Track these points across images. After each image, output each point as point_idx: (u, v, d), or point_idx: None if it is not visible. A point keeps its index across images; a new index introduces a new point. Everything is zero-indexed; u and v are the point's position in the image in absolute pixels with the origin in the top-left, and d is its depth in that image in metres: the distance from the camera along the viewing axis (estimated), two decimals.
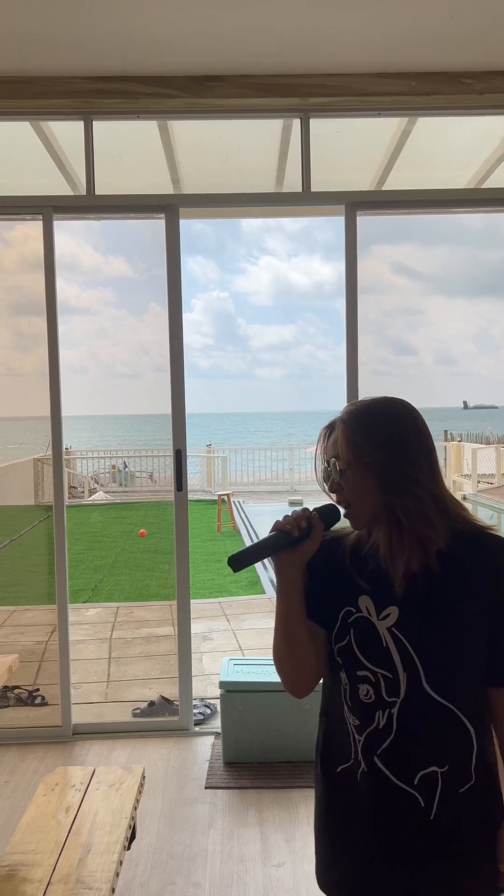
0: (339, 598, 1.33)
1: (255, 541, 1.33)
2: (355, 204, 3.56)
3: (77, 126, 3.52)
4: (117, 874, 1.89)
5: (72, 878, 1.81)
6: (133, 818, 2.16)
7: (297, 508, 1.37)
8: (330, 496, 1.36)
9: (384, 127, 3.71)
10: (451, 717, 1.26)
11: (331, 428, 1.36)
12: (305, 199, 3.56)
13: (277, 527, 1.32)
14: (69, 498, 15.28)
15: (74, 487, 16.07)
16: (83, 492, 15.95)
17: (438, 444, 18.03)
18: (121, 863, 1.95)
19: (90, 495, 15.62)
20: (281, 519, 1.32)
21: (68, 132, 3.62)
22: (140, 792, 2.28)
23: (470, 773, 1.28)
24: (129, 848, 2.21)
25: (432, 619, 1.26)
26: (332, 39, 3.09)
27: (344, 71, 3.36)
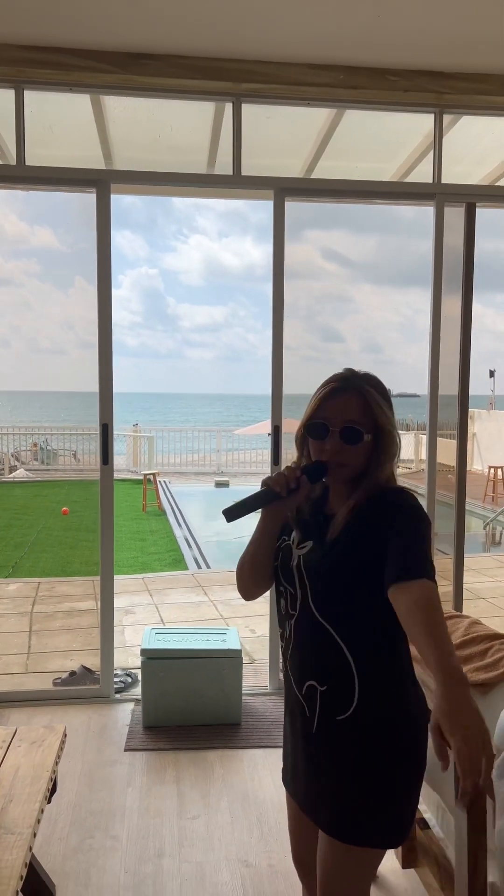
0: (284, 532, 1.59)
1: (248, 495, 1.51)
2: (284, 190, 3.67)
3: (8, 94, 3.49)
4: (38, 821, 1.98)
5: None
6: (55, 772, 2.24)
7: (289, 465, 1.54)
8: (321, 453, 1.48)
9: (316, 115, 3.83)
10: (330, 639, 1.45)
11: (347, 389, 1.49)
12: (235, 183, 3.65)
13: (268, 484, 1.50)
14: None
15: None
16: (2, 469, 15.61)
17: None
18: (42, 811, 2.03)
19: (10, 472, 15.30)
20: (271, 477, 1.51)
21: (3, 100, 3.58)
22: (61, 748, 2.36)
23: (349, 703, 1.43)
24: (49, 801, 2.29)
25: (329, 552, 1.46)
26: (266, 27, 3.18)
27: (276, 59, 3.45)
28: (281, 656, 1.61)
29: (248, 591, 1.64)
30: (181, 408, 68.88)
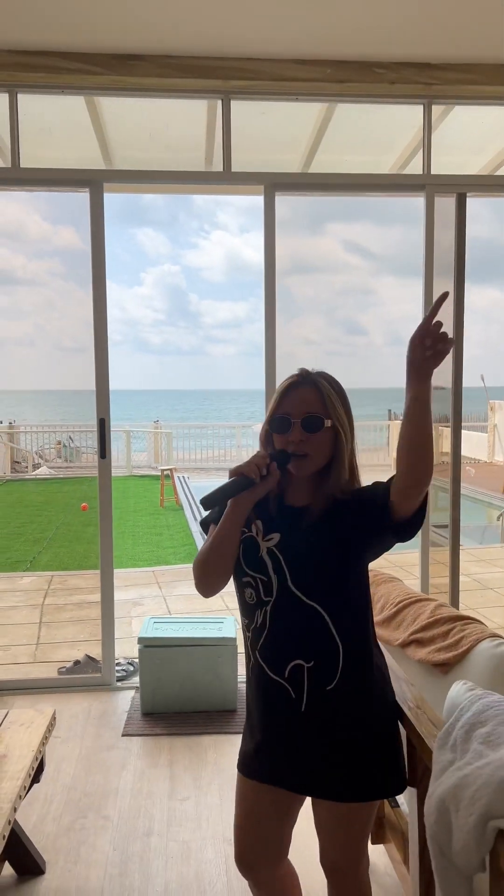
0: (245, 525, 1.63)
1: (224, 483, 1.56)
2: (274, 185, 3.71)
3: (2, 99, 3.58)
4: (21, 797, 2.07)
5: None
6: (41, 752, 2.33)
7: (256, 453, 1.59)
8: (285, 446, 1.57)
9: (310, 109, 3.87)
10: (316, 616, 1.52)
11: (303, 383, 1.58)
12: (226, 179, 3.71)
13: (241, 472, 1.55)
14: (12, 472, 15.21)
15: (18, 462, 15.95)
16: (27, 466, 15.85)
17: (382, 423, 18.49)
18: (25, 788, 2.12)
19: (34, 470, 15.54)
20: (242, 465, 1.55)
21: None
22: (50, 730, 2.45)
23: (335, 672, 1.52)
24: (38, 780, 2.39)
25: (308, 535, 1.55)
26: (252, 24, 3.23)
27: (263, 56, 3.50)
28: (247, 649, 1.62)
29: (212, 586, 1.65)
30: (203, 404, 69.13)
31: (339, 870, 1.64)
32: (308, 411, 1.55)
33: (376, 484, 1.53)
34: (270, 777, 1.62)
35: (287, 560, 1.55)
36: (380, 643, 1.72)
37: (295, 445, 1.54)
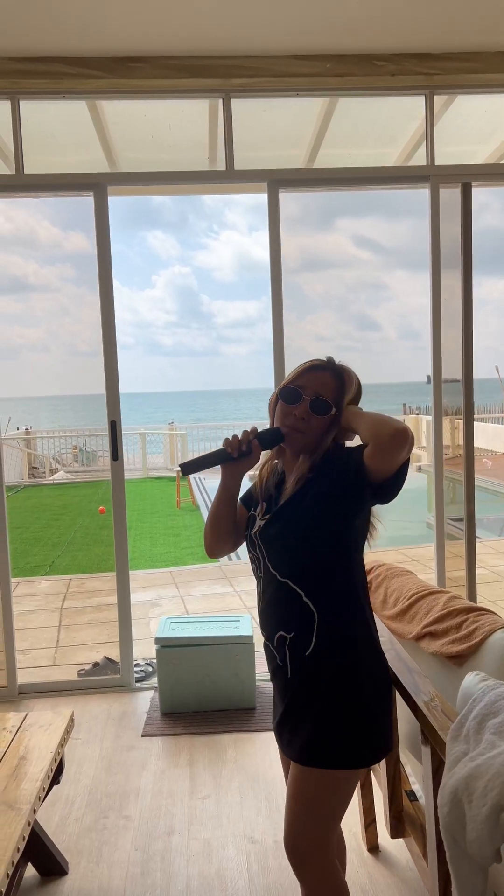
0: (252, 505, 1.74)
1: (205, 453, 1.66)
2: (277, 182, 3.71)
3: (4, 106, 3.61)
4: (40, 798, 2.08)
5: None
6: (60, 753, 2.35)
7: (245, 429, 1.66)
8: (285, 419, 1.62)
9: (312, 104, 3.86)
10: (292, 593, 1.58)
11: (327, 368, 1.64)
12: (229, 177, 3.71)
13: (224, 444, 1.65)
14: (30, 478, 15.32)
15: (36, 468, 16.06)
16: (44, 471, 15.95)
17: (397, 418, 18.39)
18: (45, 789, 2.14)
19: (51, 475, 15.64)
20: (230, 437, 1.64)
21: (1, 112, 3.70)
22: (68, 731, 2.46)
23: (311, 640, 1.57)
24: (58, 782, 2.40)
25: (277, 517, 1.61)
26: (250, 21, 3.22)
27: (262, 52, 3.50)
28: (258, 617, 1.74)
29: (212, 548, 1.78)
30: (218, 404, 69.18)
31: (299, 853, 1.57)
32: (319, 393, 1.60)
33: (356, 447, 1.57)
34: (278, 737, 1.70)
35: (262, 540, 1.64)
36: (394, 636, 1.72)
37: (294, 419, 1.60)
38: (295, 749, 1.60)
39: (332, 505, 1.55)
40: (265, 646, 1.69)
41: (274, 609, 1.64)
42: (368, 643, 1.63)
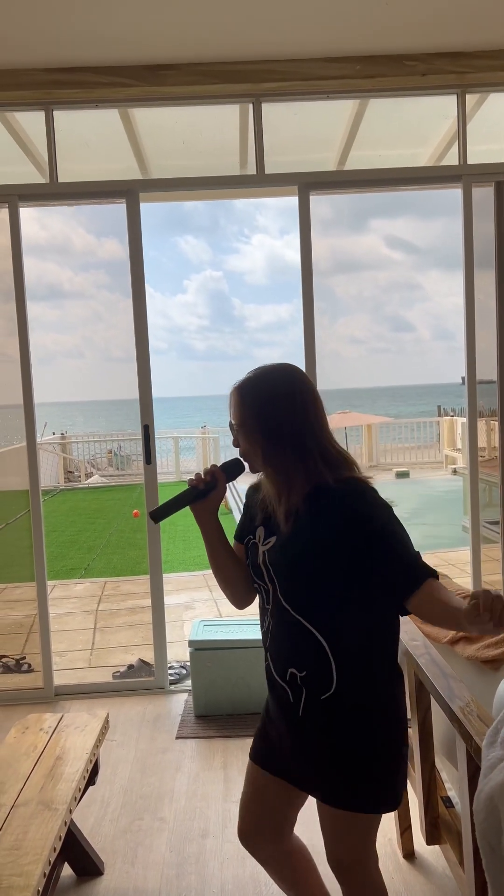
0: (250, 530, 1.64)
1: (172, 497, 1.60)
2: (308, 185, 3.71)
3: (38, 116, 3.67)
4: (76, 799, 2.11)
5: (34, 801, 2.03)
6: (95, 754, 2.37)
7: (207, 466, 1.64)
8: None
9: (342, 106, 3.85)
10: (304, 630, 1.51)
11: (234, 390, 1.60)
12: (260, 182, 3.72)
13: (189, 484, 1.60)
14: (66, 482, 15.53)
15: (71, 472, 16.28)
16: (79, 476, 16.16)
17: (432, 420, 18.20)
18: (80, 790, 2.16)
19: (86, 479, 15.83)
20: (193, 477, 1.60)
21: (35, 121, 3.77)
22: (103, 733, 2.49)
23: (330, 683, 1.50)
24: (94, 783, 2.43)
25: (288, 549, 1.52)
26: (279, 26, 3.24)
27: (292, 56, 3.50)
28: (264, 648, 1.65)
29: (234, 600, 1.71)
30: None
31: (342, 867, 1.63)
32: (231, 416, 1.58)
33: (397, 564, 1.46)
34: (278, 770, 1.66)
35: (275, 570, 1.55)
36: (428, 640, 1.70)
37: (239, 450, 1.60)
38: (321, 791, 1.57)
39: (336, 560, 1.48)
40: (272, 677, 1.61)
41: (284, 644, 1.56)
42: (388, 685, 1.55)
